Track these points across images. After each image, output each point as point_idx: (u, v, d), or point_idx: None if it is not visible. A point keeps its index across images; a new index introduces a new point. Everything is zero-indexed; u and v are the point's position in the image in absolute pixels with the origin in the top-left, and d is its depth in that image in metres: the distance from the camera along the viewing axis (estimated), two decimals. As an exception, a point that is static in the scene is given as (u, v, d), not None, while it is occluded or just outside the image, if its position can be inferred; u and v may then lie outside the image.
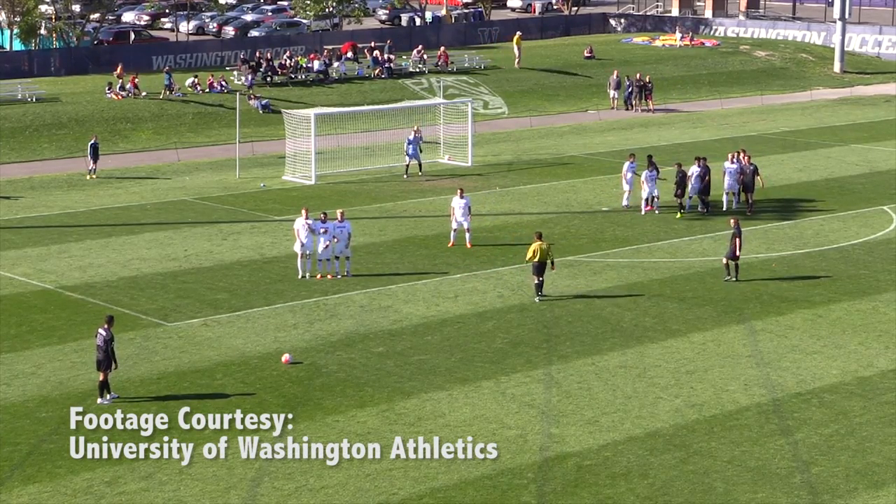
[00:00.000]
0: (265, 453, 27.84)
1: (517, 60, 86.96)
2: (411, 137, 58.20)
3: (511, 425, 29.60)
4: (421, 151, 58.14)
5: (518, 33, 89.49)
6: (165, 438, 28.78)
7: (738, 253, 40.76)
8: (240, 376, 32.77)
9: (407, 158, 57.93)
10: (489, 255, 44.20)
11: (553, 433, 29.15)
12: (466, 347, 34.97)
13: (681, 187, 49.31)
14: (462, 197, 45.01)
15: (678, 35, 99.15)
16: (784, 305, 38.68)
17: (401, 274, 42.02)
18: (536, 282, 38.85)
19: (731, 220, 41.70)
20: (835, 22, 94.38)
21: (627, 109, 78.49)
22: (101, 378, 31.11)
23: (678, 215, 49.42)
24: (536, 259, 38.54)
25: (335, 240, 41.20)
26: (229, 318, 37.59)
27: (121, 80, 73.42)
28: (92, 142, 59.57)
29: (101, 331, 31.20)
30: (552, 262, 38.90)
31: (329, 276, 41.27)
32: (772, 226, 48.59)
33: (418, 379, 32.53)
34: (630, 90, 78.98)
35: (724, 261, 41.28)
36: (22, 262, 43.58)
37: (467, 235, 45.01)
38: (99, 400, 31.03)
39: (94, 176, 58.65)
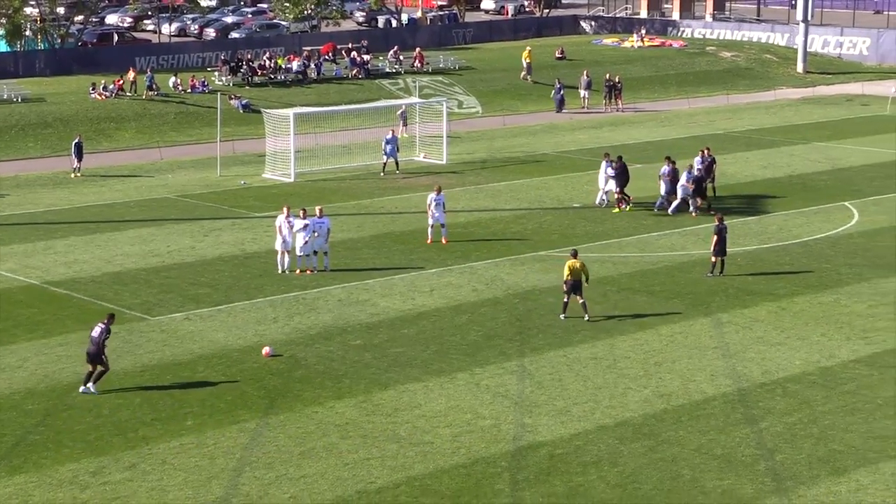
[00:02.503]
0: (246, 443, 27.87)
1: (524, 73, 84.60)
2: (389, 137, 58.20)
3: (485, 415, 29.61)
4: (398, 150, 58.13)
5: (528, 48, 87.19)
6: (149, 429, 28.81)
7: (717, 249, 40.69)
8: (221, 369, 32.71)
9: (384, 157, 57.91)
10: (464, 251, 44.20)
11: (526, 423, 29.17)
12: (442, 340, 34.97)
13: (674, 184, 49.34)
14: (439, 194, 45.04)
15: (635, 37, 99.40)
16: (749, 298, 38.79)
17: (378, 269, 42.00)
18: (565, 300, 36.40)
19: (715, 217, 41.72)
20: (798, 24, 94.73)
21: (557, 112, 77.33)
22: (90, 369, 30.95)
23: (616, 210, 49.71)
24: (571, 277, 36.15)
25: (315, 234, 41.18)
26: (211, 312, 37.52)
27: (134, 82, 73.25)
28: (76, 141, 59.35)
29: (99, 325, 31.15)
30: (587, 278, 36.53)
31: (308, 272, 41.22)
32: (737, 221, 48.69)
33: (395, 371, 32.52)
34: (560, 92, 78.25)
35: (713, 259, 40.96)
36: (8, 259, 43.40)
37: (443, 231, 45.02)
38: (81, 388, 30.91)
39: (78, 174, 58.44)
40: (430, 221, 45.07)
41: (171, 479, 26.28)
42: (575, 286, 36.35)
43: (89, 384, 30.92)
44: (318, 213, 41.78)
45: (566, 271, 36.44)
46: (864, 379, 31.99)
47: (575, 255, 37.00)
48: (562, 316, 36.61)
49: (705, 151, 51.84)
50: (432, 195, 45.04)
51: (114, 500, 25.30)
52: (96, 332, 30.97)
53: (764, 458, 27.34)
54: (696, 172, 50.30)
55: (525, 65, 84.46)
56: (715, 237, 40.80)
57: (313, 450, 27.65)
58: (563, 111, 77.14)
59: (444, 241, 44.84)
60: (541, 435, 28.46)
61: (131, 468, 26.75)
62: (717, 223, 41.04)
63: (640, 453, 27.49)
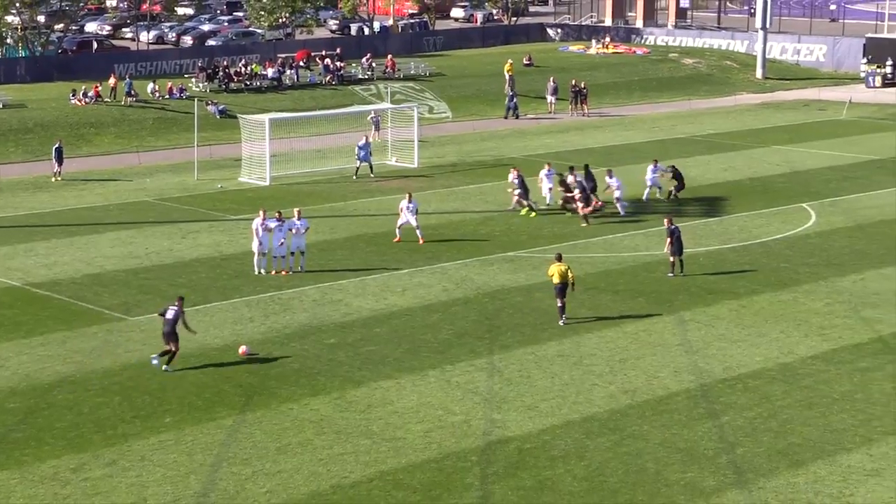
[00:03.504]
0: (223, 440, 27.78)
1: (508, 85, 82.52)
2: (362, 143, 58.14)
3: (456, 411, 29.60)
4: (371, 155, 58.10)
5: (510, 61, 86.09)
6: (128, 427, 28.67)
7: (670, 249, 40.83)
8: (199, 367, 32.57)
9: (357, 161, 57.85)
10: (435, 252, 44.17)
11: (495, 418, 29.17)
12: (413, 338, 34.93)
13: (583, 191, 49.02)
14: (410, 201, 45.02)
15: (594, 43, 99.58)
16: (711, 297, 38.90)
17: (351, 270, 41.93)
18: (560, 304, 35.96)
19: (665, 220, 41.75)
20: (757, 31, 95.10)
21: (506, 118, 76.88)
22: (165, 347, 32.16)
23: (524, 212, 49.56)
24: (558, 281, 35.73)
25: (292, 231, 41.10)
26: (189, 312, 37.17)
27: (114, 89, 73.01)
28: (56, 146, 59.04)
29: (171, 307, 32.49)
30: (573, 284, 35.99)
31: (283, 273, 41.12)
32: (699, 222, 48.86)
33: (368, 368, 32.47)
34: (513, 100, 77.91)
35: (672, 259, 41.02)
36: (-10, 261, 43.18)
37: (418, 232, 45.02)
38: (154, 360, 32.21)
39: (59, 178, 58.13)
40: (400, 222, 45.11)
41: (151, 474, 26.16)
42: (561, 290, 35.90)
43: (165, 366, 32.06)
44: (296, 214, 41.74)
45: (552, 275, 35.93)
46: (821, 374, 32.12)
47: (559, 258, 36.71)
48: (561, 322, 35.92)
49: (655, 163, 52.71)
50: (404, 202, 45.05)
51: (94, 496, 25.18)
52: (170, 313, 32.23)
53: (725, 451, 27.42)
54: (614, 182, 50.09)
55: (508, 77, 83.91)
56: (668, 239, 40.96)
57: (289, 446, 27.58)
58: (519, 118, 76.73)
59: (420, 241, 44.82)
60: (510, 430, 28.46)
61: (111, 464, 26.62)
62: (668, 225, 41.11)
63: (605, 447, 27.53)
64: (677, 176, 52.62)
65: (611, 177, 50.37)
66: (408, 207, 44.81)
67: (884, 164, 61.43)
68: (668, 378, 31.82)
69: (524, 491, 25.47)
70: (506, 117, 77.20)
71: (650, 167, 52.70)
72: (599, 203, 49.68)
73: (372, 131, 65.37)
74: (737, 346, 34.26)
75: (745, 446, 27.64)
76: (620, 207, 49.88)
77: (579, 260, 42.89)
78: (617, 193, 49.92)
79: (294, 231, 41.17)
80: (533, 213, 49.62)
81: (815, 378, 31.84)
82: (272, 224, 40.98)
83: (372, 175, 57.59)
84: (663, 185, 52.71)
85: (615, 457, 27.04)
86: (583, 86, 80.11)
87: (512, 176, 50.67)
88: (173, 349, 32.21)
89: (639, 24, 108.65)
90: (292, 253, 41.29)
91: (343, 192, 55.07)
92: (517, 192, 50.02)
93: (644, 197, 52.30)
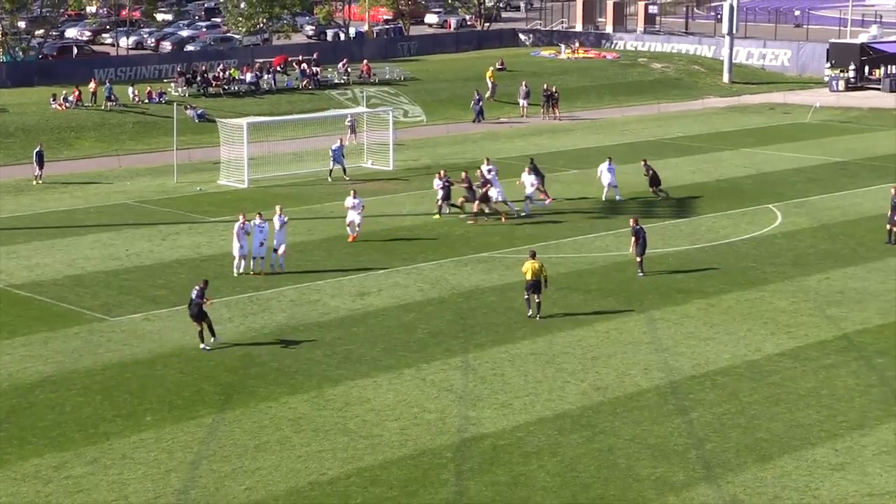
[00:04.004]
0: (203, 438, 27.71)
1: (490, 93, 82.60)
2: (335, 146, 58.12)
3: (431, 409, 29.60)
4: (344, 157, 58.09)
5: (491, 68, 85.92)
6: (110, 425, 28.57)
7: (636, 249, 41.04)
8: (178, 366, 32.50)
9: (332, 163, 57.82)
10: (410, 253, 44.16)
11: (470, 416, 29.19)
12: (389, 338, 34.92)
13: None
14: (355, 197, 45.12)
15: (562, 48, 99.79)
16: (680, 296, 39.01)
17: (328, 270, 41.88)
18: (527, 297, 36.49)
19: (631, 220, 41.92)
20: (723, 37, 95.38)
21: (474, 122, 76.51)
22: (198, 328, 33.62)
23: (438, 216, 49.42)
24: (531, 278, 36.18)
25: (277, 225, 41.15)
26: (168, 312, 37.26)
27: (94, 93, 72.71)
28: (37, 149, 58.77)
29: (196, 287, 33.90)
30: (545, 280, 36.48)
31: (262, 273, 41.04)
32: (668, 223, 48.99)
33: (345, 367, 32.44)
34: (479, 104, 77.60)
35: (638, 259, 41.27)
36: (-28, 263, 42.94)
37: (350, 230, 45.51)
38: (202, 346, 33.56)
39: (40, 181, 57.87)
40: (348, 220, 45.61)
41: (132, 472, 26.08)
42: (534, 286, 36.29)
43: (204, 345, 33.44)
44: (278, 211, 41.93)
45: (526, 271, 36.38)
46: (787, 371, 32.26)
47: (533, 255, 37.01)
48: (529, 314, 36.40)
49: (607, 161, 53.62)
50: (349, 199, 45.76)
51: (76, 494, 25.08)
52: (195, 294, 33.59)
53: (694, 446, 27.50)
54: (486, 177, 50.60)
55: (490, 84, 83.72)
56: (633, 238, 41.12)
57: (267, 443, 27.54)
58: (482, 122, 76.70)
59: (350, 238, 45.35)
60: (484, 427, 28.48)
61: (93, 462, 26.53)
62: (633, 225, 41.32)
63: (578, 443, 27.58)
64: (651, 173, 53.15)
65: (529, 173, 50.85)
66: (353, 205, 45.15)
67: (847, 167, 61.72)
68: (639, 375, 31.89)
69: (498, 486, 25.49)
70: (475, 121, 76.92)
71: (605, 166, 53.19)
72: (548, 199, 51.26)
73: (348, 134, 65.31)
74: (705, 344, 34.37)
75: (713, 442, 27.73)
76: (525, 206, 50.17)
77: (551, 260, 42.91)
78: (528, 191, 50.30)
79: (277, 226, 41.16)
80: (437, 216, 49.23)
81: (782, 375, 31.97)
82: (251, 225, 40.87)
83: (346, 178, 57.52)
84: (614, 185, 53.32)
85: (587, 452, 27.10)
86: (554, 90, 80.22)
87: (437, 183, 50.20)
88: (204, 327, 33.76)
89: (609, 29, 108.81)
90: (275, 250, 41.21)
91: (319, 194, 54.98)
92: (440, 195, 49.69)
93: (603, 197, 52.70)
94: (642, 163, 53.80)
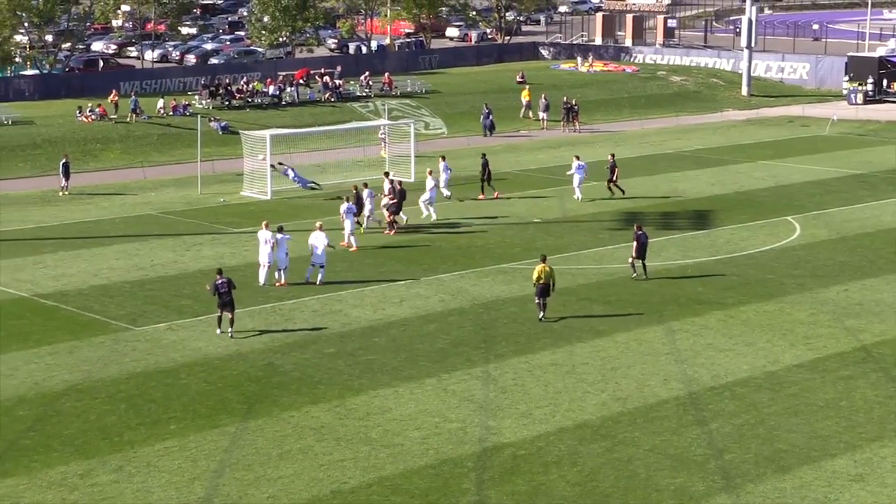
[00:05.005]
0: (226, 446, 27.74)
1: (524, 110, 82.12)
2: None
3: (452, 419, 29.57)
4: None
5: (527, 88, 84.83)
6: (134, 434, 28.62)
7: (637, 254, 41.57)
8: (202, 376, 32.55)
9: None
10: (431, 264, 44.16)
11: (490, 425, 29.14)
12: (411, 348, 34.91)
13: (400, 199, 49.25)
14: (347, 200, 46.22)
15: (579, 60, 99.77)
16: (699, 307, 38.90)
17: (350, 281, 41.89)
18: (538, 301, 37.09)
19: (635, 226, 42.59)
20: (742, 50, 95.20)
21: (485, 136, 75.83)
22: (227, 315, 35.41)
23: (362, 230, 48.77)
24: (542, 281, 36.81)
25: (321, 233, 41.06)
26: (192, 322, 37.34)
27: (116, 104, 73.08)
28: (63, 161, 59.03)
29: (219, 278, 35.30)
30: (553, 284, 37.09)
31: (285, 284, 41.03)
32: (687, 235, 48.89)
33: (367, 377, 32.44)
34: (489, 117, 77.05)
35: (630, 260, 41.80)
36: (-1, 273, 43.15)
37: (348, 238, 45.94)
38: (217, 331, 35.49)
39: (66, 192, 58.11)
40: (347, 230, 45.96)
41: (156, 480, 26.12)
42: (544, 289, 36.88)
43: (229, 329, 35.33)
44: (317, 227, 41.72)
45: (536, 275, 36.97)
46: (806, 382, 32.13)
47: (544, 259, 37.61)
48: (540, 316, 37.04)
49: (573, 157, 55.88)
50: (344, 206, 46.29)
51: (101, 501, 25.14)
52: (221, 283, 35.13)
53: (714, 457, 27.41)
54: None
55: (524, 102, 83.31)
56: (635, 243, 41.34)
57: (290, 452, 27.55)
58: (491, 136, 76.48)
59: (342, 244, 45.41)
60: (505, 437, 28.44)
61: (118, 470, 26.58)
62: (637, 231, 41.77)
63: (598, 453, 27.51)
64: (612, 167, 55.50)
65: (431, 175, 51.78)
66: (346, 209, 45.87)
67: (865, 179, 61.50)
68: (658, 386, 31.80)
69: (519, 496, 25.44)
70: (485, 135, 76.25)
71: (575, 164, 55.19)
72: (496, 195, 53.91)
73: (382, 146, 65.35)
74: (724, 355, 34.26)
75: (733, 452, 27.63)
76: (423, 206, 50.41)
77: (570, 271, 42.91)
78: (425, 196, 50.48)
79: (319, 248, 41.06)
80: (361, 228, 48.46)
81: (801, 386, 31.84)
82: (278, 236, 40.84)
83: None
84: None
85: (607, 462, 27.02)
86: (574, 103, 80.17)
87: (387, 186, 50.00)
88: (226, 316, 35.50)
89: (628, 42, 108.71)
90: (313, 265, 41.16)
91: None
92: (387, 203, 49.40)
93: (577, 197, 54.78)
94: (610, 157, 56.03)
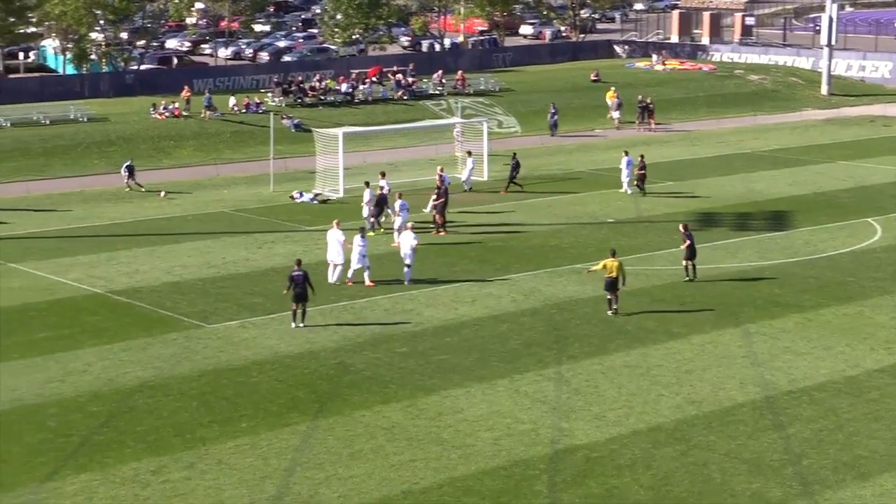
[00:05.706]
0: (297, 445, 27.88)
1: (611, 114, 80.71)
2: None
3: (524, 420, 29.50)
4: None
5: (612, 89, 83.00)
6: (206, 431, 28.86)
7: (688, 254, 41.51)
8: (274, 374, 32.75)
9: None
10: (504, 263, 44.11)
11: (563, 427, 29.05)
12: (483, 348, 34.88)
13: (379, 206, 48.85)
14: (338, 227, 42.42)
15: (654, 58, 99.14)
16: (777, 310, 38.51)
17: (422, 280, 41.92)
18: (609, 297, 37.60)
19: (681, 226, 42.58)
20: (822, 48, 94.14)
21: (553, 135, 75.33)
22: (296, 308, 36.24)
23: (373, 233, 47.87)
24: (611, 274, 37.16)
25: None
26: (264, 320, 37.58)
27: (188, 101, 73.96)
28: (127, 163, 59.92)
29: (296, 270, 36.11)
30: (623, 279, 37.44)
31: (350, 283, 41.06)
32: (764, 236, 48.42)
33: (438, 377, 32.46)
34: (555, 116, 76.43)
35: (684, 262, 41.68)
36: (74, 269, 43.64)
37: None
38: (293, 325, 36.30)
39: (141, 189, 58.64)
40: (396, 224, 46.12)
41: (227, 478, 26.32)
42: (612, 283, 37.24)
43: (300, 323, 36.22)
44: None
45: (605, 269, 37.46)
46: (887, 388, 31.69)
47: (613, 254, 37.95)
48: (609, 312, 37.47)
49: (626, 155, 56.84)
50: (399, 201, 46.61)
51: (173, 498, 25.36)
52: (298, 275, 35.94)
53: (791, 462, 27.11)
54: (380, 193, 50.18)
55: (610, 104, 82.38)
56: (687, 242, 41.56)
57: (361, 451, 27.63)
58: (557, 135, 75.83)
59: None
60: (577, 439, 28.33)
61: (189, 467, 26.81)
62: (683, 231, 41.75)
63: (672, 457, 27.32)
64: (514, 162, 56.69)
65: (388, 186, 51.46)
66: (400, 206, 46.23)
67: (949, 180, 60.58)
68: (734, 389, 31.52)
69: (592, 499, 25.33)
70: (552, 134, 75.90)
71: (624, 160, 56.62)
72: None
73: (455, 143, 65.35)
74: (802, 359, 33.88)
75: (811, 458, 27.31)
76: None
77: (645, 272, 42.67)
78: (399, 218, 46.69)
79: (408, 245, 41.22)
80: (372, 233, 47.22)
81: (882, 391, 31.41)
82: (354, 237, 40.88)
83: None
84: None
85: (681, 466, 26.83)
86: (649, 101, 79.70)
87: (367, 195, 49.62)
88: (299, 309, 36.24)
89: (705, 40, 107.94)
90: (408, 265, 41.36)
91: (414, 203, 54.93)
92: (371, 209, 48.99)
93: (626, 190, 56.12)
94: (512, 155, 57.61)
